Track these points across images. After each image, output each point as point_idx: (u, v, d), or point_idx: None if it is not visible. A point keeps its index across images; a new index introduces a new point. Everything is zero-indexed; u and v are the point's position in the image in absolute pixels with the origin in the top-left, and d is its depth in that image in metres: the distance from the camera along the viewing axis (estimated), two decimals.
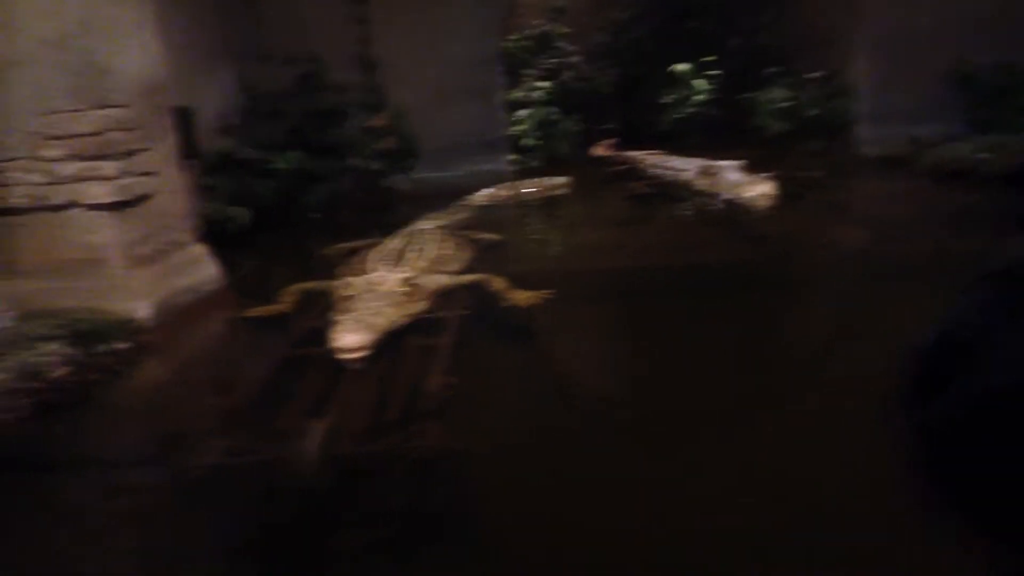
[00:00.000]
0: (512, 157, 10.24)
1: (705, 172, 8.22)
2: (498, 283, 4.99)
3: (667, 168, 9.31)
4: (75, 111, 4.50)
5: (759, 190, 7.28)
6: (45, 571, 2.53)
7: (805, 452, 2.87)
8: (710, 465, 2.84)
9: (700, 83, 11.99)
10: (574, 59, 12.54)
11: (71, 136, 4.52)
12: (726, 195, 7.63)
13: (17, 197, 4.61)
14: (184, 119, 6.11)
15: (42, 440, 3.56)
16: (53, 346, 3.94)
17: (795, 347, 4.19)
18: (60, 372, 3.85)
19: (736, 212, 7.12)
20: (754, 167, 7.96)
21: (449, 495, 2.84)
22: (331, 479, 2.90)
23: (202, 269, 5.39)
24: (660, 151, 10.26)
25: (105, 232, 4.64)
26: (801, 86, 11.42)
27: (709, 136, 11.82)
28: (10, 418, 3.56)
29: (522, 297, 4.77)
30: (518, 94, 11.23)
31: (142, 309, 4.61)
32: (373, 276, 4.64)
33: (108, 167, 4.58)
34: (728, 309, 4.74)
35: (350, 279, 4.59)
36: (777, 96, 11.43)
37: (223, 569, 2.59)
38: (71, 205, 4.61)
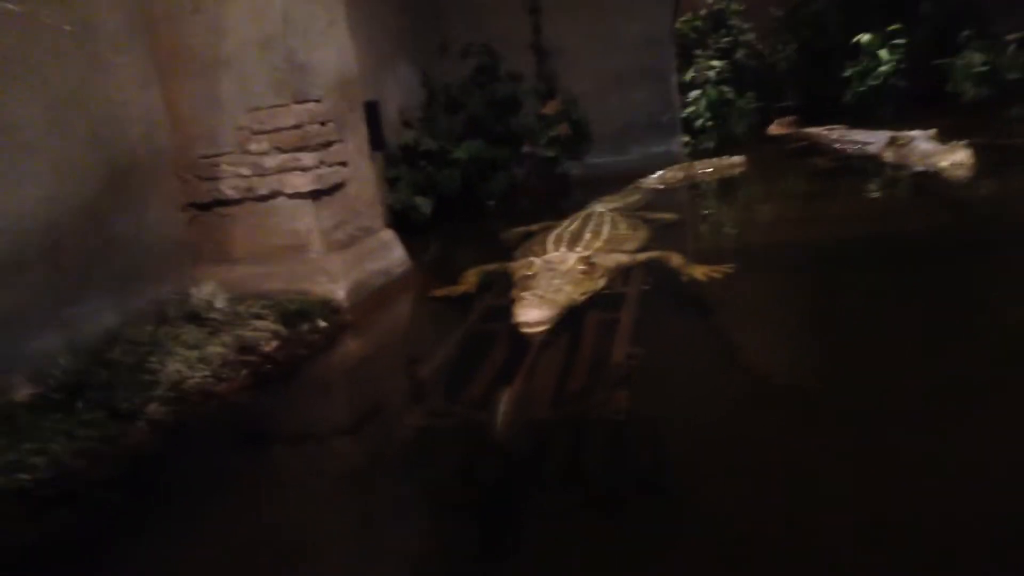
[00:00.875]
0: (686, 139, 10.11)
1: (893, 143, 7.81)
2: (676, 259, 4.97)
3: (852, 141, 8.91)
4: (277, 106, 4.85)
5: (954, 159, 6.84)
6: (275, 535, 2.77)
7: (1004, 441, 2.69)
8: (892, 449, 2.73)
9: (886, 52, 11.36)
10: (749, 36, 12.22)
11: (274, 130, 4.87)
12: (918, 166, 7.22)
13: (228, 189, 5.02)
14: (371, 112, 6.45)
15: (258, 409, 3.89)
16: (264, 323, 4.30)
17: (1001, 319, 3.92)
18: (271, 347, 4.19)
19: (930, 182, 6.72)
20: (948, 136, 7.49)
21: (642, 456, 2.90)
22: (527, 442, 3.01)
23: (391, 253, 5.69)
24: (843, 126, 9.83)
25: (305, 219, 4.98)
26: (1000, 49, 10.60)
27: (898, 108, 11.20)
28: (230, 388, 3.92)
29: (701, 272, 4.73)
30: (691, 75, 11.06)
31: (340, 290, 4.92)
32: (551, 256, 4.73)
33: (307, 158, 4.90)
34: (931, 277, 4.49)
35: (529, 259, 4.70)
36: (973, 60, 10.67)
37: (441, 526, 2.75)
38: (275, 195, 4.98)
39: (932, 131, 7.56)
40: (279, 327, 4.32)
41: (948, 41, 11.50)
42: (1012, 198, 6.10)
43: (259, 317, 4.34)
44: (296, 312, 4.52)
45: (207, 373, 3.83)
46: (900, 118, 10.05)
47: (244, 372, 3.98)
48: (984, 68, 10.57)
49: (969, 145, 7.02)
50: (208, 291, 4.50)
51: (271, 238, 5.04)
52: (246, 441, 3.64)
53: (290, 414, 3.86)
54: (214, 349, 3.94)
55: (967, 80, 10.76)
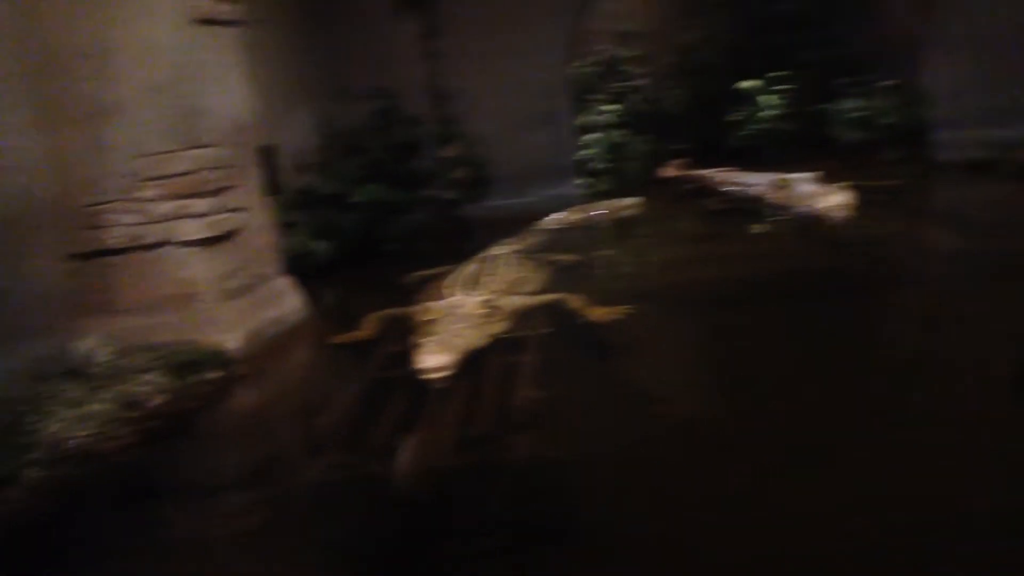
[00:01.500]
0: (583, 181, 10.30)
1: (778, 185, 8.13)
2: (576, 301, 5.03)
3: (740, 184, 9.24)
4: (169, 152, 4.72)
5: (835, 200, 7.16)
6: None
7: (906, 463, 2.79)
8: (796, 478, 2.80)
9: (770, 98, 11.89)
10: (642, 81, 12.59)
11: (165, 176, 4.74)
12: (801, 207, 7.53)
13: (114, 238, 4.83)
14: (267, 157, 6.34)
15: (146, 467, 3.71)
16: (151, 377, 4.12)
17: (892, 349, 4.09)
18: (159, 401, 4.02)
19: (813, 223, 7.02)
20: (830, 178, 7.85)
21: (546, 502, 2.88)
22: (431, 491, 2.96)
23: (288, 301, 5.57)
24: (732, 168, 10.19)
25: (197, 268, 4.83)
26: (875, 95, 11.23)
27: (782, 150, 11.69)
28: (114, 446, 3.73)
29: (600, 313, 4.79)
30: (587, 118, 11.30)
31: (233, 340, 4.78)
32: (453, 300, 4.72)
33: (200, 205, 4.77)
34: (816, 315, 4.66)
35: (430, 304, 4.67)
36: (851, 106, 11.26)
37: None
38: (165, 243, 4.82)
39: (814, 174, 7.91)
40: (168, 380, 4.15)
41: (827, 88, 12.12)
42: (889, 238, 6.42)
43: (146, 370, 4.17)
44: (186, 364, 4.36)
45: (90, 432, 3.64)
46: (784, 161, 10.48)
47: (130, 429, 3.80)
48: (860, 114, 11.16)
49: (849, 187, 7.38)
50: (90, 345, 4.30)
51: (160, 287, 4.87)
52: (131, 502, 3.45)
53: (180, 471, 3.70)
54: (97, 406, 3.75)
55: (845, 125, 11.33)
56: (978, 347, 3.79)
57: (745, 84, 12.12)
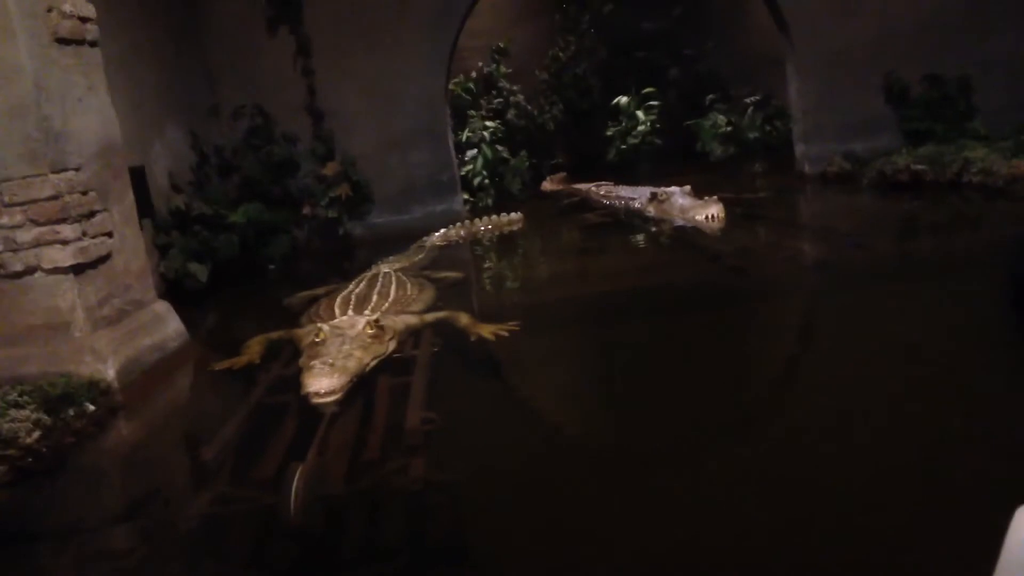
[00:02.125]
0: (465, 197, 10.37)
1: (655, 199, 8.42)
2: (464, 319, 5.07)
3: (618, 197, 9.53)
4: (32, 176, 4.49)
5: (708, 212, 7.49)
6: None
7: (784, 474, 2.93)
8: (686, 491, 2.91)
9: (642, 113, 12.30)
10: (518, 98, 12.80)
11: (29, 201, 4.50)
12: (678, 220, 7.83)
13: None
14: (138, 178, 6.12)
15: (20, 507, 3.51)
16: (23, 412, 3.90)
17: (767, 358, 4.30)
18: (32, 438, 3.81)
19: (689, 235, 7.30)
20: (702, 191, 8.19)
21: (439, 526, 2.88)
22: (322, 520, 2.91)
23: (165, 326, 5.38)
24: (609, 182, 10.49)
25: (67, 296, 4.61)
26: (740, 110, 11.78)
27: (656, 164, 12.14)
28: None
29: (488, 331, 4.85)
30: (467, 135, 11.40)
31: (109, 370, 4.58)
32: (338, 320, 4.67)
33: (67, 230, 4.56)
34: (696, 327, 4.84)
35: (316, 325, 4.61)
36: (718, 121, 11.78)
37: None
38: (32, 270, 4.58)
39: (687, 187, 8.25)
40: (41, 415, 3.93)
41: (696, 103, 12.64)
42: (759, 247, 6.75)
43: (17, 405, 3.94)
44: (59, 397, 4.14)
45: None
46: (658, 174, 10.90)
47: (2, 468, 3.59)
48: (728, 129, 11.69)
49: (720, 199, 7.72)
50: None
51: (27, 317, 4.62)
52: (3, 545, 3.26)
53: (56, 511, 3.51)
54: None
55: (714, 140, 11.85)
56: (843, 358, 4.02)
57: (618, 100, 12.50)
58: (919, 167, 7.58)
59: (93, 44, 5.13)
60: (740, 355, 4.34)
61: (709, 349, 4.43)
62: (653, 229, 7.96)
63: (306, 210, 9.02)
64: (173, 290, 6.88)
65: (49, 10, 4.69)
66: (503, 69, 12.66)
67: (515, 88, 12.84)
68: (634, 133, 12.37)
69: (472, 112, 11.96)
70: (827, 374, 3.83)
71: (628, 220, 8.59)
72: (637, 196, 9.00)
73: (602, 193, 10.09)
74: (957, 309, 4.45)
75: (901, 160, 7.85)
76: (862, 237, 6.42)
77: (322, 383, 3.86)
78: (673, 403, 3.73)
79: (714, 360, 4.25)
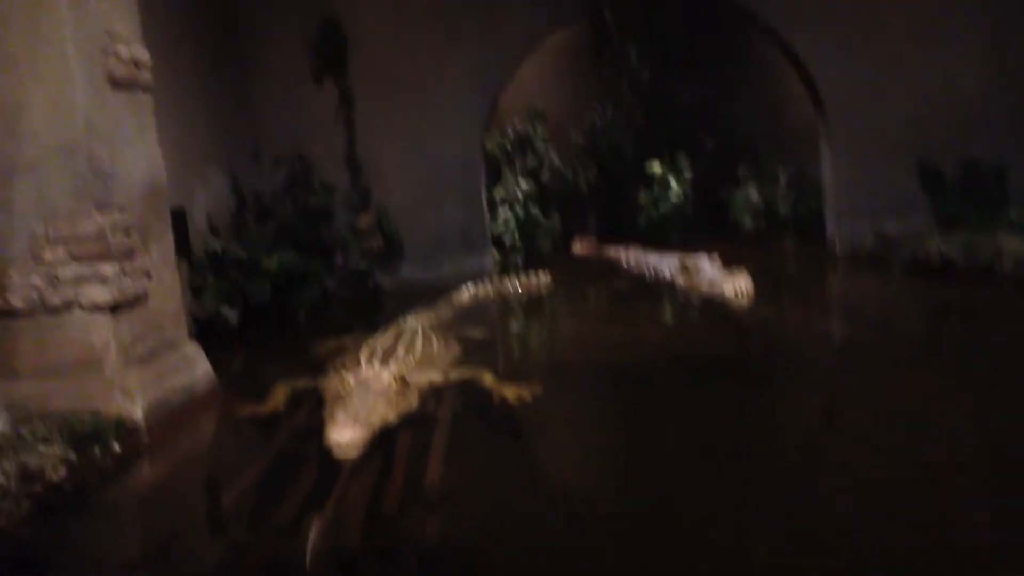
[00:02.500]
0: (495, 255, 10.46)
1: (683, 267, 8.45)
2: (488, 378, 5.09)
3: (646, 264, 9.57)
4: (78, 214, 4.62)
5: (736, 284, 7.49)
6: None
7: (797, 548, 2.91)
8: (701, 560, 2.89)
9: (675, 182, 12.39)
10: (554, 159, 12.95)
11: (73, 238, 4.62)
12: (705, 290, 7.84)
13: (16, 300, 4.67)
14: (178, 220, 6.26)
15: (42, 543, 3.55)
16: (51, 448, 3.96)
17: (785, 437, 4.27)
18: (58, 474, 3.87)
19: (716, 306, 7.31)
20: (730, 262, 8.21)
21: None
22: (336, 572, 2.92)
23: (195, 368, 5.45)
24: (638, 247, 10.55)
25: (102, 333, 4.70)
26: (773, 184, 11.84)
27: (686, 232, 12.18)
28: (10, 520, 3.56)
29: (512, 392, 4.86)
30: (500, 193, 11.53)
31: (137, 409, 4.64)
32: (364, 373, 4.70)
33: (107, 269, 4.67)
34: (718, 401, 4.81)
35: (341, 376, 4.65)
36: (750, 194, 11.83)
37: None
38: (70, 306, 4.67)
39: (716, 257, 8.27)
40: (68, 452, 3.99)
41: (729, 175, 12.73)
42: (785, 323, 6.74)
43: (46, 441, 4.00)
44: (88, 434, 4.20)
45: None
46: (687, 243, 10.94)
47: (27, 503, 3.63)
48: (759, 202, 11.73)
49: (749, 272, 7.74)
50: None
51: (62, 352, 4.70)
52: None
53: (76, 548, 3.55)
54: None
55: (745, 212, 11.89)
56: (859, 442, 3.99)
57: (651, 167, 12.61)
58: (951, 253, 7.56)
59: (146, 89, 5.30)
60: (760, 431, 4.31)
61: (730, 423, 4.41)
62: (680, 298, 7.98)
63: (338, 259, 9.13)
64: (203, 331, 6.97)
65: (106, 54, 4.87)
66: (540, 130, 12.84)
67: (551, 149, 13.00)
68: (666, 201, 12.45)
69: (507, 171, 12.11)
70: (845, 455, 3.80)
71: (655, 287, 8.61)
72: (666, 264, 9.04)
73: (631, 259, 10.14)
74: (983, 398, 4.41)
75: (933, 244, 7.83)
76: (889, 321, 6.40)
77: (345, 435, 3.88)
78: (691, 475, 3.71)
79: (734, 435, 4.23)
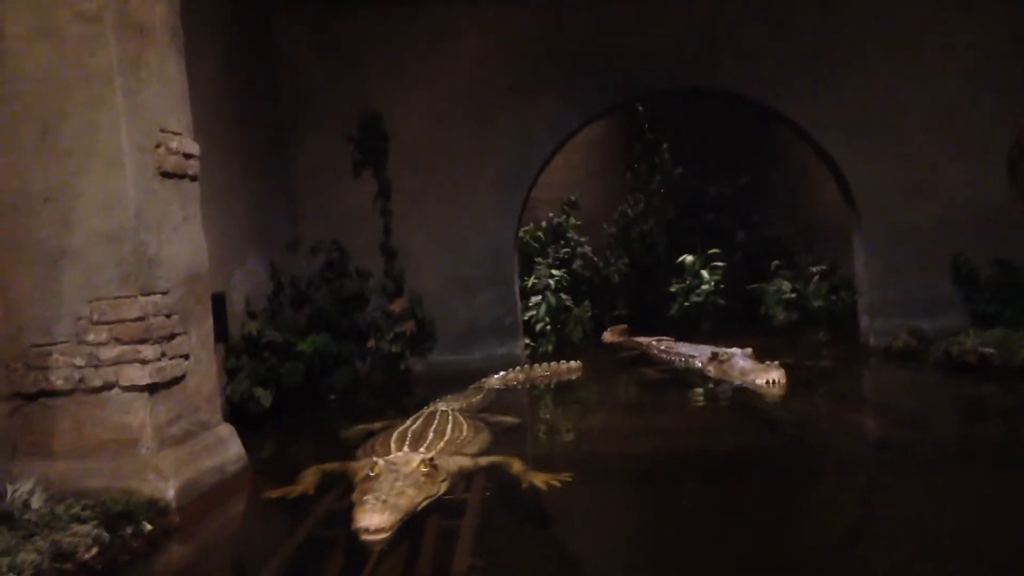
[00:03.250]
0: (526, 342, 10.52)
1: (715, 358, 8.44)
2: (517, 466, 5.09)
3: (677, 354, 9.56)
4: (122, 297, 4.76)
5: (769, 377, 7.46)
6: None
7: None
8: None
9: (707, 273, 12.46)
10: (585, 249, 13.12)
11: (116, 321, 4.75)
12: (737, 382, 7.81)
13: (59, 379, 4.79)
14: (217, 303, 6.41)
15: None
16: (84, 527, 4.01)
17: (818, 538, 4.21)
18: (90, 554, 3.91)
19: (748, 398, 7.26)
20: (763, 355, 8.19)
21: None
22: None
23: (227, 449, 5.50)
24: (670, 337, 10.55)
25: (139, 414, 4.79)
26: (805, 278, 11.86)
27: (718, 324, 12.18)
28: None
29: (541, 480, 4.85)
30: (532, 281, 11.66)
31: (170, 490, 4.69)
32: (394, 457, 4.72)
33: (148, 351, 4.78)
34: (748, 497, 4.77)
35: (371, 459, 4.67)
36: (783, 287, 11.84)
37: None
38: (109, 387, 4.78)
39: (748, 349, 8.26)
40: (100, 531, 4.03)
41: (761, 268, 12.78)
42: (818, 418, 6.67)
43: (80, 520, 4.06)
44: (120, 514, 4.25)
45: None
46: (719, 334, 10.93)
47: None
48: (792, 295, 11.74)
49: (781, 365, 7.71)
50: (25, 489, 4.18)
51: (99, 432, 4.79)
52: None
53: None
54: (26, 556, 3.62)
55: (778, 305, 11.89)
56: (898, 543, 3.92)
57: (683, 258, 12.71)
58: (987, 350, 7.48)
59: (193, 179, 5.52)
60: (791, 530, 4.25)
61: (760, 520, 4.35)
62: (711, 388, 7.95)
63: (371, 343, 9.25)
64: (237, 413, 7.06)
65: (158, 146, 5.10)
66: (573, 221, 13.05)
67: (583, 239, 13.18)
68: (697, 292, 12.50)
69: (539, 259, 12.28)
70: (878, 558, 3.73)
71: (687, 378, 8.58)
72: (697, 354, 9.03)
73: (662, 348, 10.14)
74: (1019, 501, 4.32)
75: (968, 342, 7.75)
76: (924, 418, 6.31)
77: (373, 520, 3.88)
78: (715, 570, 3.66)
79: (764, 532, 4.17)
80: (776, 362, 7.79)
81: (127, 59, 4.90)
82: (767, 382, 7.41)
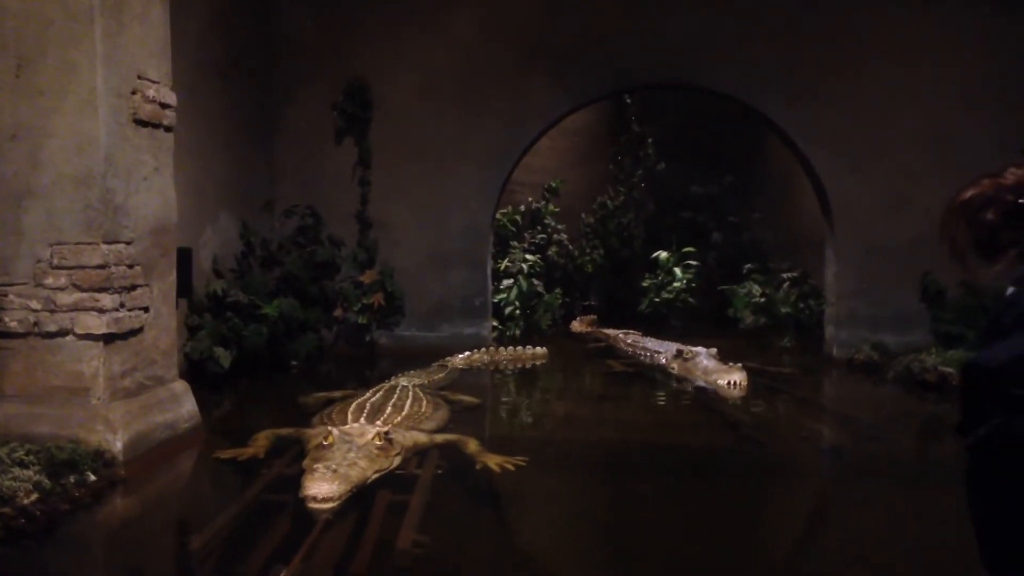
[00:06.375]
0: (494, 324, 10.49)
1: (680, 356, 8.46)
2: (473, 446, 5.07)
3: (644, 349, 9.57)
4: (85, 243, 4.67)
5: (731, 379, 7.50)
6: None
7: None
8: None
9: (680, 271, 12.50)
10: (562, 236, 13.10)
11: (77, 267, 4.67)
12: (699, 381, 7.83)
13: (13, 321, 4.70)
14: (183, 258, 6.31)
15: (3, 569, 3.51)
16: (26, 472, 3.94)
17: (767, 539, 4.23)
18: (29, 500, 3.83)
19: (709, 398, 7.29)
20: (728, 356, 8.22)
21: None
22: None
23: (180, 406, 5.43)
24: (638, 331, 10.58)
25: (92, 363, 4.71)
26: (776, 284, 11.91)
27: (686, 321, 12.23)
28: None
29: (495, 461, 4.84)
30: (505, 264, 11.63)
31: (117, 442, 4.62)
32: (349, 427, 4.69)
33: (106, 300, 4.70)
34: (701, 493, 4.78)
35: (327, 428, 4.64)
36: (753, 291, 11.90)
37: None
38: (64, 333, 4.70)
39: (713, 349, 8.29)
40: (42, 478, 3.96)
41: (734, 270, 12.83)
42: (778, 422, 6.71)
43: (22, 464, 3.98)
44: (64, 462, 4.18)
45: None
46: (687, 332, 10.97)
47: None
48: (761, 299, 11.79)
49: (745, 367, 7.74)
50: None
51: (50, 378, 4.71)
52: None
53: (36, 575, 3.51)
54: None
55: (746, 308, 11.94)
56: (847, 551, 3.95)
57: (658, 254, 12.74)
58: (947, 370, 7.54)
59: (168, 129, 5.41)
60: (743, 530, 4.26)
61: (713, 518, 4.36)
62: (674, 385, 7.97)
63: (337, 312, 9.18)
64: (194, 371, 6.97)
65: (134, 92, 5.00)
66: (551, 207, 13.02)
67: (560, 227, 13.16)
68: (669, 288, 12.54)
69: (514, 243, 12.25)
70: (816, 563, 3.76)
71: (650, 373, 8.60)
72: (663, 351, 9.05)
73: (629, 342, 10.15)
74: (962, 519, 4.36)
75: (930, 360, 7.81)
76: (882, 430, 6.36)
77: (322, 488, 3.86)
78: (665, 567, 3.67)
79: (715, 531, 4.18)
80: (739, 364, 7.83)
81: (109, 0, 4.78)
82: (729, 383, 7.45)
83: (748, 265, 12.67)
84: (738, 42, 9.31)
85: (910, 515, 4.44)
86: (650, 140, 13.70)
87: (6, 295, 4.70)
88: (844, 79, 9.16)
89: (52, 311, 4.70)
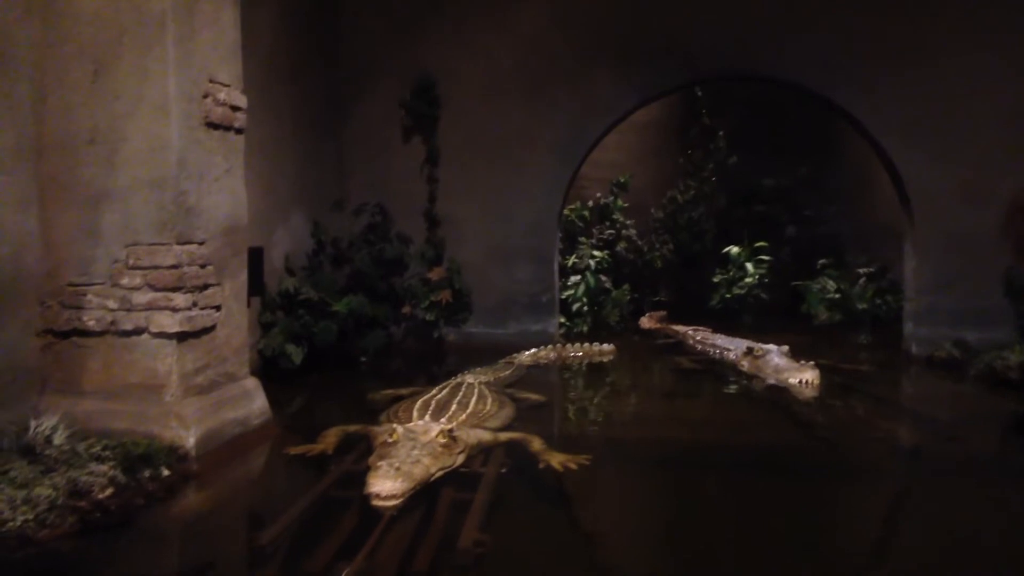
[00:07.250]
0: (561, 320, 10.45)
1: (750, 353, 8.30)
2: (538, 444, 5.06)
3: (713, 345, 9.43)
4: (159, 244, 4.81)
5: (804, 377, 7.32)
6: None
7: None
8: None
9: (752, 266, 12.26)
10: (631, 232, 12.99)
11: (151, 267, 4.80)
12: (771, 379, 7.67)
13: (91, 320, 4.87)
14: (255, 257, 6.45)
15: (79, 560, 3.63)
16: (103, 467, 4.07)
17: (843, 541, 4.11)
18: (105, 494, 3.96)
19: (780, 396, 7.13)
20: (800, 353, 8.03)
21: None
22: None
23: (252, 403, 5.55)
24: (707, 328, 10.41)
25: (166, 360, 4.85)
26: (852, 279, 11.60)
27: (758, 318, 12.01)
28: (52, 534, 3.65)
29: (559, 460, 4.82)
30: (573, 260, 11.58)
31: (190, 437, 4.74)
32: (413, 425, 4.73)
33: (180, 299, 4.83)
34: (771, 494, 4.68)
35: (392, 426, 4.68)
36: (828, 286, 11.61)
37: None
38: (139, 331, 4.84)
39: (785, 347, 8.10)
40: (117, 473, 4.09)
41: (808, 265, 12.54)
42: (851, 423, 6.52)
43: (99, 459, 4.12)
44: (140, 457, 4.31)
45: (29, 517, 3.58)
46: (758, 328, 10.76)
47: (71, 519, 3.73)
48: (836, 295, 11.49)
49: (817, 365, 7.55)
50: (49, 425, 4.25)
51: (126, 375, 4.87)
52: None
53: (113, 566, 3.62)
54: (42, 491, 3.69)
55: (821, 304, 11.66)
56: (924, 555, 3.82)
57: (730, 249, 12.52)
58: None
59: (239, 131, 5.53)
60: (816, 532, 4.15)
61: (785, 520, 4.26)
62: (744, 383, 7.82)
63: (406, 309, 9.27)
64: (267, 368, 7.13)
65: (205, 96, 5.11)
66: (620, 202, 12.91)
67: (628, 222, 13.04)
68: (741, 284, 12.31)
69: (582, 239, 12.19)
70: (895, 567, 3.63)
71: (720, 370, 8.46)
72: (733, 348, 8.89)
73: (698, 338, 10.01)
74: None
75: (1014, 357, 7.49)
76: (962, 429, 6.13)
77: (385, 486, 3.90)
78: (736, 567, 3.60)
79: (787, 533, 4.08)
80: (812, 362, 7.63)
81: (181, 5, 4.91)
82: (800, 382, 7.28)
83: (823, 260, 12.37)
84: (807, 28, 9.07)
85: (991, 518, 4.27)
86: (721, 133, 13.48)
87: (84, 295, 4.87)
88: (920, 63, 8.84)
89: (128, 310, 4.85)
